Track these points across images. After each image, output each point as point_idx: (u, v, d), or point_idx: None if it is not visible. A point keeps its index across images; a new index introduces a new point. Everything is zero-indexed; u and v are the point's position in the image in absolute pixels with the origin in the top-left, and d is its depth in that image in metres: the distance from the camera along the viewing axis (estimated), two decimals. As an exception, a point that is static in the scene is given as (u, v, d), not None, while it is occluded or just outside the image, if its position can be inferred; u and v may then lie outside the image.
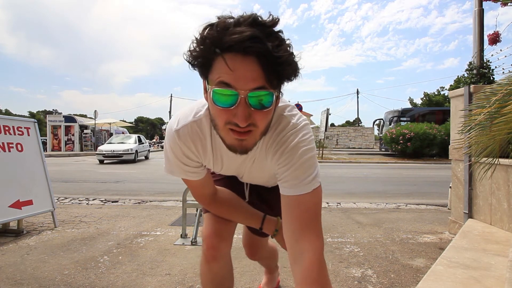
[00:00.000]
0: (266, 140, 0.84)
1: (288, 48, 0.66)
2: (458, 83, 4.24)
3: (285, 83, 0.72)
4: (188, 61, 0.69)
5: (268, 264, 1.67)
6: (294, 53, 0.68)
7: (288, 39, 0.67)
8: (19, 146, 2.89)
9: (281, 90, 0.74)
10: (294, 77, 0.70)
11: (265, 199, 1.26)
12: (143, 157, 14.98)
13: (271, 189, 1.20)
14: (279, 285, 1.78)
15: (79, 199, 4.66)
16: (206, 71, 0.68)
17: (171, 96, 38.57)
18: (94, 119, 21.26)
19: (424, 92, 33.19)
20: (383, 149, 18.07)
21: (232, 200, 1.10)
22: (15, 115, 35.04)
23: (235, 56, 0.63)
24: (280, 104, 0.84)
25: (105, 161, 12.84)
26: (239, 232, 2.76)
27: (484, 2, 2.90)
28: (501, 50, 2.64)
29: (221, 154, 0.89)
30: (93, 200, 4.59)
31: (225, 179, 1.17)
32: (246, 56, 0.62)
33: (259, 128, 0.70)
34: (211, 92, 0.67)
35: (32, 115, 50.04)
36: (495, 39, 2.74)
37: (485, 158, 1.52)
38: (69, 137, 20.99)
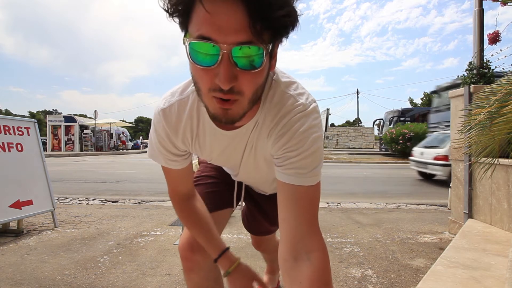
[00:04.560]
0: (267, 123, 0.73)
1: None
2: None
3: (281, 40, 0.58)
4: (165, 10, 0.57)
5: (271, 259, 1.64)
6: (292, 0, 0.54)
7: None
8: (19, 146, 2.89)
9: (276, 49, 0.61)
10: (290, 28, 0.56)
11: (263, 208, 1.20)
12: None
13: (269, 197, 1.15)
14: (279, 285, 1.78)
15: (79, 199, 4.66)
16: (186, 22, 0.56)
17: (171, 96, 38.44)
18: (94, 119, 21.28)
19: (424, 92, 33.32)
20: (383, 149, 18.06)
21: (204, 216, 0.95)
22: (15, 115, 35.06)
23: None
24: (283, 79, 0.73)
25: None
26: (239, 233, 2.76)
27: (483, 2, 2.90)
28: (501, 50, 2.64)
29: (210, 136, 0.78)
30: (93, 200, 4.59)
31: (218, 184, 1.11)
32: None
33: (245, 95, 0.58)
34: (188, 47, 0.55)
35: (32, 115, 50.06)
36: (495, 38, 2.74)
37: (485, 158, 1.52)
38: (69, 137, 21.00)
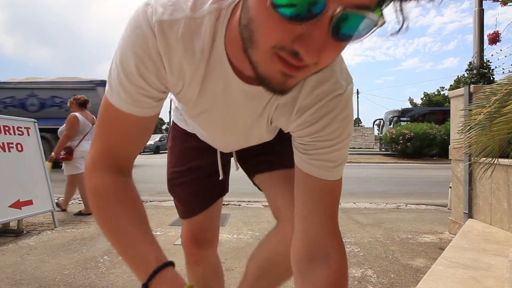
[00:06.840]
0: (301, 96, 0.56)
1: None
2: (458, 83, 4.25)
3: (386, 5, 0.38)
4: None
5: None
6: None
7: None
8: (19, 146, 2.89)
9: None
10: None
11: (265, 151, 0.87)
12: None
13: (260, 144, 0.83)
14: (279, 285, 1.78)
15: (79, 199, 4.65)
16: None
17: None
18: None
19: (424, 92, 33.31)
20: (383, 149, 18.06)
21: (142, 207, 0.66)
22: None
23: None
24: None
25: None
26: (239, 233, 2.75)
27: (483, 2, 2.91)
28: (501, 50, 2.65)
29: (219, 83, 0.55)
30: (93, 200, 4.59)
31: (201, 176, 0.93)
32: None
33: (319, 66, 0.41)
34: None
35: (32, 115, 50.03)
36: (495, 38, 2.75)
37: (485, 158, 1.52)
38: (69, 137, 21.00)
